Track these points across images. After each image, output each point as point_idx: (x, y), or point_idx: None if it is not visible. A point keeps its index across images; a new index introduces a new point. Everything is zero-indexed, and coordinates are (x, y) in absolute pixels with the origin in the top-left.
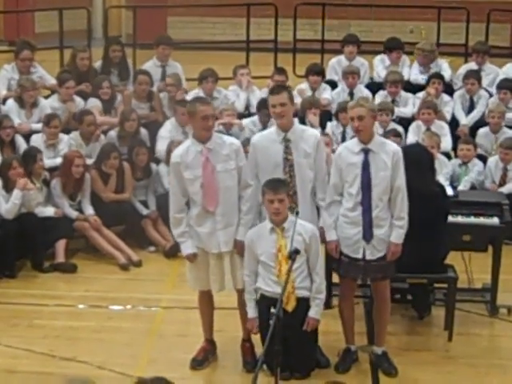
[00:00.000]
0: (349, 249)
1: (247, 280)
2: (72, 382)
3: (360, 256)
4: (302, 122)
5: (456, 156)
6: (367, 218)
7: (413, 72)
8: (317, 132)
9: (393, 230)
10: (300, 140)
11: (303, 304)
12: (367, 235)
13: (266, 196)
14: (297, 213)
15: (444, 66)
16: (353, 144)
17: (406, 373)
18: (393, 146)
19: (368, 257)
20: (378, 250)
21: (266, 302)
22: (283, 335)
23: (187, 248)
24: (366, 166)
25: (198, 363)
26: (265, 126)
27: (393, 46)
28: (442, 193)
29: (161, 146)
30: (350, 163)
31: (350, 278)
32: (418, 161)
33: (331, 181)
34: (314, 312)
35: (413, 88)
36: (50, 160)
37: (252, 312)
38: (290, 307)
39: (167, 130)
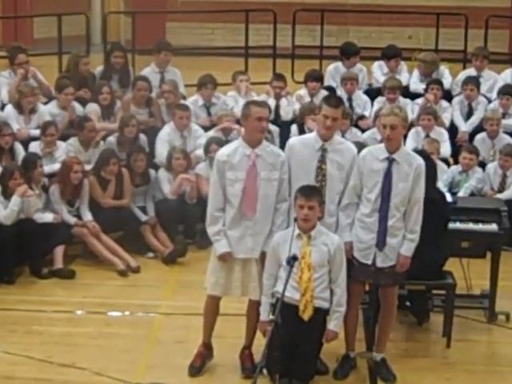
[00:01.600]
0: (360, 253)
1: (266, 283)
2: None
3: (370, 262)
4: (301, 128)
5: (455, 162)
6: (382, 226)
7: (412, 80)
8: (354, 147)
9: (404, 242)
10: (336, 152)
11: (319, 315)
12: (380, 243)
13: (298, 201)
14: (295, 219)
15: (445, 74)
16: (378, 150)
17: (404, 379)
18: (417, 159)
19: (379, 264)
20: (390, 259)
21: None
22: (294, 342)
23: (222, 247)
24: (388, 175)
25: (196, 370)
26: None
27: (391, 54)
28: (442, 200)
29: (160, 149)
30: (372, 169)
31: (359, 284)
32: None
33: (351, 182)
34: (333, 325)
35: (411, 95)
36: (48, 166)
37: (266, 315)
38: (306, 316)
39: (166, 134)
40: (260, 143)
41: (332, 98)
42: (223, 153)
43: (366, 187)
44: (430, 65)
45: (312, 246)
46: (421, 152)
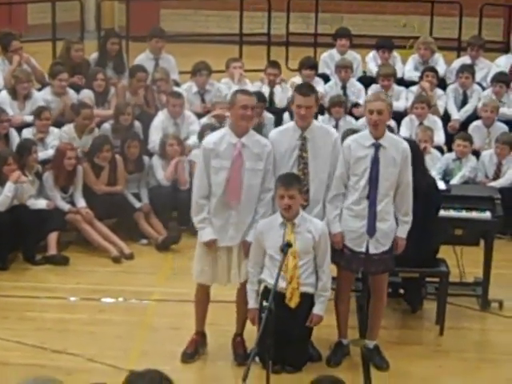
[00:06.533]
0: (352, 242)
1: (251, 271)
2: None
3: (363, 250)
4: (293, 116)
5: (449, 150)
6: (372, 212)
7: (407, 68)
8: (335, 131)
9: (400, 225)
10: (317, 138)
11: (306, 300)
12: (371, 229)
13: (278, 191)
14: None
15: (440, 61)
16: (363, 138)
17: (397, 366)
18: (403, 143)
19: (371, 251)
20: (382, 244)
21: (268, 295)
22: (282, 329)
23: (207, 234)
24: (375, 161)
25: (188, 356)
26: (259, 121)
27: (381, 45)
28: (433, 187)
29: (154, 136)
30: (359, 157)
31: (349, 272)
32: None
33: (337, 172)
34: (318, 309)
35: (405, 83)
36: (42, 152)
37: (253, 303)
38: (293, 303)
39: (160, 121)
40: (246, 132)
41: (303, 87)
42: (210, 140)
43: (355, 175)
44: (432, 45)
45: (296, 234)
46: (408, 140)
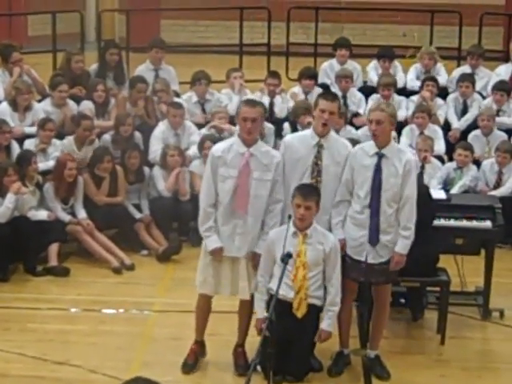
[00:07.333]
0: (352, 250)
1: (260, 280)
2: None
3: (362, 259)
4: (294, 126)
5: (449, 159)
6: (374, 222)
7: (409, 77)
8: (350, 144)
9: (399, 239)
10: (333, 148)
11: (313, 311)
12: (373, 239)
13: (295, 200)
14: (289, 216)
15: (441, 71)
16: (369, 146)
17: (398, 376)
18: (407, 155)
19: (370, 261)
20: (380, 256)
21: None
22: (287, 338)
23: (213, 242)
24: (377, 170)
25: (190, 367)
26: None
27: (381, 54)
28: (426, 196)
29: (154, 147)
30: (362, 165)
31: (352, 281)
32: None
33: (343, 179)
34: (327, 324)
35: (406, 93)
36: (42, 163)
37: (261, 312)
38: (300, 314)
39: (160, 131)
40: (254, 142)
41: (329, 93)
42: (218, 148)
43: (356, 183)
44: (435, 55)
45: (307, 245)
46: None
